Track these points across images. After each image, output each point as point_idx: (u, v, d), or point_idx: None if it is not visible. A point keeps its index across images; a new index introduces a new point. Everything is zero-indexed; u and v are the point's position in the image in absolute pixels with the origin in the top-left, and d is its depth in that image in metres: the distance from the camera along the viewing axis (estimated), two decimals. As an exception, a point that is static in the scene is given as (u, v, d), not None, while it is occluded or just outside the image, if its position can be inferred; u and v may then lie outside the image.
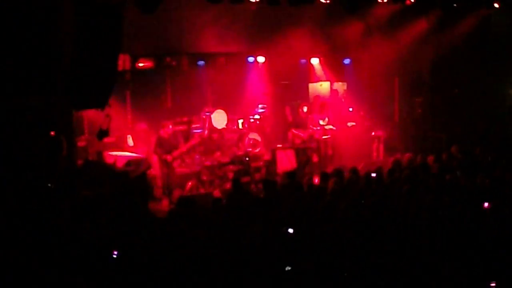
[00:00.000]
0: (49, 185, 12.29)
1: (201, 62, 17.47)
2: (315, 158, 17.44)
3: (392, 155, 17.50)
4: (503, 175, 13.15)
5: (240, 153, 16.31)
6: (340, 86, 20.07)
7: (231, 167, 16.02)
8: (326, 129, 17.66)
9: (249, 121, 17.47)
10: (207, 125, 16.46)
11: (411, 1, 17.54)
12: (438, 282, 7.67)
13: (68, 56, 12.30)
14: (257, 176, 16.20)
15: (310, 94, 19.89)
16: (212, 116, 16.64)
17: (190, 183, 15.24)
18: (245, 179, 15.59)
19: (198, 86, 17.73)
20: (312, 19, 17.57)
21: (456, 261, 8.47)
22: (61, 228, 10.05)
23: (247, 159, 16.18)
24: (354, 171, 13.54)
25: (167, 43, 16.23)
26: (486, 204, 10.94)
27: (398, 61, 18.93)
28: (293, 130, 17.75)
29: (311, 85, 19.98)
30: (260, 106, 18.18)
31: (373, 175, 13.27)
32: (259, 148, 16.80)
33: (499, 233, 9.24)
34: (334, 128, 17.90)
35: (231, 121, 17.35)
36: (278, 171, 16.63)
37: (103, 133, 13.77)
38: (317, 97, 19.12)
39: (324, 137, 17.50)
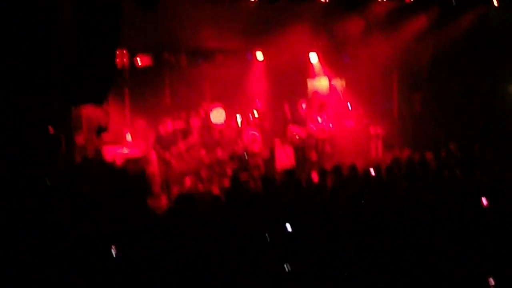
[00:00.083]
0: (48, 182, 12.29)
1: (199, 59, 17.44)
2: (313, 156, 17.43)
3: (390, 152, 17.51)
4: (502, 172, 13.17)
5: (238, 150, 16.30)
6: (339, 83, 20.06)
7: (229, 164, 16.01)
8: (324, 126, 17.66)
9: (248, 118, 17.45)
10: (205, 122, 16.46)
11: (410, -1, 17.59)
12: (437, 279, 7.67)
13: (67, 53, 12.28)
14: (256, 173, 16.20)
15: (308, 90, 19.87)
16: (211, 112, 16.63)
17: (189, 180, 15.23)
18: (244, 176, 15.59)
19: (196, 82, 17.71)
20: (311, 16, 17.54)
21: (455, 258, 8.47)
22: (60, 226, 10.05)
23: (245, 156, 16.18)
24: (352, 168, 13.55)
25: (165, 39, 16.20)
26: (485, 201, 10.96)
27: (397, 58, 18.92)
28: (291, 127, 17.74)
29: (309, 82, 19.96)
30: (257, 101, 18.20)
31: (372, 172, 13.28)
32: (258, 145, 16.79)
33: (498, 230, 9.25)
34: (332, 126, 17.91)
35: (230, 117, 17.35)
36: (276, 168, 16.64)
37: (101, 130, 13.77)
38: (316, 93, 19.12)
39: (322, 134, 17.50)
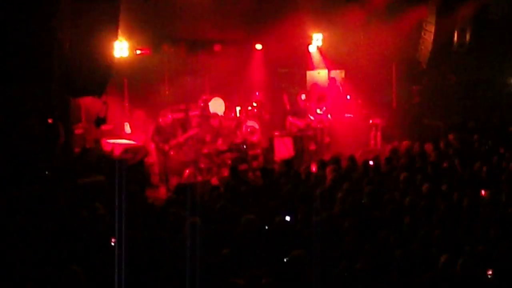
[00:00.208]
0: (47, 172, 12.29)
1: (199, 50, 17.40)
2: (312, 146, 17.43)
3: (389, 143, 17.51)
4: (500, 163, 13.18)
5: (237, 140, 16.29)
6: (338, 74, 20.05)
7: (228, 154, 16.00)
8: (323, 117, 17.66)
9: (247, 109, 17.45)
10: (205, 112, 16.45)
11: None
12: (435, 270, 7.68)
13: (66, 44, 12.26)
14: (255, 164, 16.20)
15: (308, 82, 19.85)
16: (210, 103, 16.62)
17: (187, 171, 15.22)
18: (243, 166, 15.59)
19: (195, 73, 17.67)
20: (311, 6, 17.51)
21: (453, 248, 8.48)
22: (58, 216, 10.06)
23: (244, 147, 16.17)
24: (351, 159, 13.56)
25: (165, 30, 16.15)
26: (483, 192, 10.98)
27: (396, 48, 18.89)
28: (290, 118, 17.75)
29: (309, 73, 19.94)
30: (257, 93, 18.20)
31: (371, 163, 13.29)
32: (257, 136, 16.79)
33: (496, 220, 9.26)
34: (331, 117, 17.93)
35: (229, 108, 17.33)
36: (275, 159, 16.64)
37: (100, 121, 13.76)
38: (315, 85, 19.10)
39: (321, 125, 17.50)
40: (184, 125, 16.00)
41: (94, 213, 9.95)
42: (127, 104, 16.51)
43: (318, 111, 17.79)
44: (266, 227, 9.44)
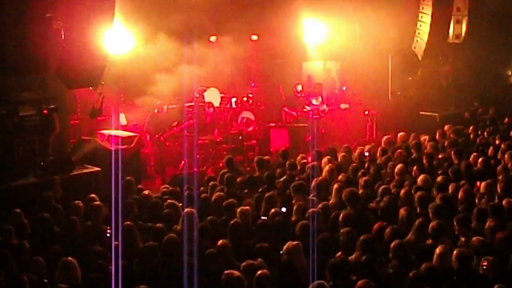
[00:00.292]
0: (42, 163, 12.27)
1: (194, 41, 17.35)
2: (308, 137, 17.43)
3: (385, 134, 17.51)
4: (496, 154, 13.18)
5: (233, 131, 16.28)
6: (334, 65, 20.04)
7: (224, 145, 16.00)
8: (319, 109, 17.66)
9: (243, 100, 17.43)
10: (200, 103, 16.43)
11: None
12: (430, 261, 7.69)
13: (61, 35, 12.22)
14: (250, 154, 16.19)
15: (303, 73, 19.84)
16: (206, 94, 16.60)
17: (183, 162, 15.21)
18: (238, 157, 15.58)
19: (191, 64, 17.62)
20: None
21: (449, 239, 8.50)
22: (54, 206, 10.05)
23: (240, 137, 16.16)
24: (347, 150, 13.55)
25: (160, 21, 16.10)
26: (478, 183, 10.98)
27: (392, 40, 18.86)
28: (286, 109, 17.74)
29: (304, 64, 19.92)
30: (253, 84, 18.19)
31: (366, 154, 13.29)
32: (252, 127, 16.78)
33: (492, 212, 9.27)
34: (327, 109, 17.93)
35: (224, 99, 17.31)
36: (271, 150, 16.64)
37: (96, 112, 13.72)
38: (311, 76, 19.09)
39: (316, 116, 17.49)
40: (179, 115, 15.98)
41: (89, 204, 9.95)
42: (122, 95, 16.47)
43: (314, 102, 17.79)
44: (262, 218, 9.44)
